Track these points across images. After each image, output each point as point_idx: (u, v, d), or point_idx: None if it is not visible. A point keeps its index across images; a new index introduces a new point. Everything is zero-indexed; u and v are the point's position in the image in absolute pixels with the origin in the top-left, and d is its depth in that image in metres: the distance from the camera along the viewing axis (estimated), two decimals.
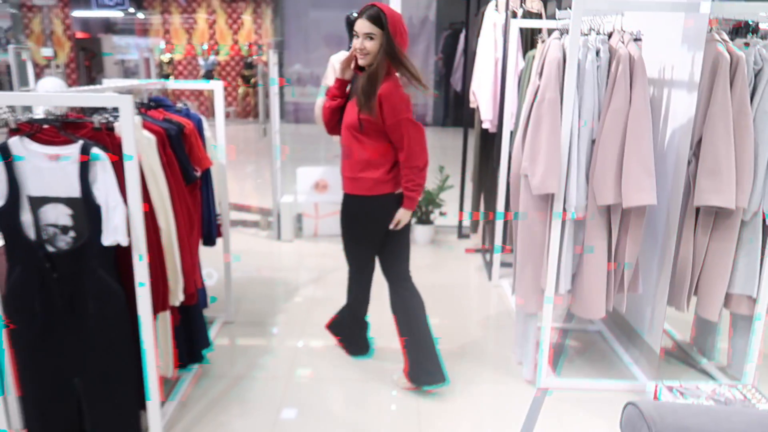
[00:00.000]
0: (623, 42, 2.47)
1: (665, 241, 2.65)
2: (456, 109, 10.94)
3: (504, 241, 3.91)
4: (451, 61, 10.85)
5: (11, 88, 6.65)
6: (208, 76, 13.11)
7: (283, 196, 4.90)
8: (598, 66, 2.46)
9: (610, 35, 2.54)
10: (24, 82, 5.11)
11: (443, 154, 8.58)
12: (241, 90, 13.39)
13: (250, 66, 13.28)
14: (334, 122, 2.66)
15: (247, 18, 13.40)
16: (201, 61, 13.18)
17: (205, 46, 13.17)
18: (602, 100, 2.47)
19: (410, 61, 2.40)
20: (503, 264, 3.97)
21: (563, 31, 2.62)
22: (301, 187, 4.91)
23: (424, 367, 2.66)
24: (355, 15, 3.52)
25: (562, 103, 2.43)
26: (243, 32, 13.40)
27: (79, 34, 13.22)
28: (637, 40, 2.51)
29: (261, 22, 13.42)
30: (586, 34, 2.52)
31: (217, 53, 13.29)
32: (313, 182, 4.90)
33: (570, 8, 2.42)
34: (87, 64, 13.40)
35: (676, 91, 2.62)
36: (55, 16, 12.43)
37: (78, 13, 12.86)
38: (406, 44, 2.41)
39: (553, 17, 4.06)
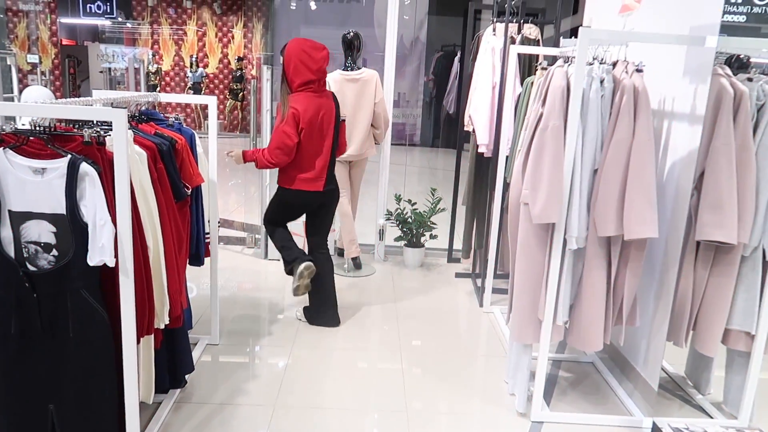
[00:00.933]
0: (627, 72, 2.45)
1: (663, 274, 2.61)
2: (447, 131, 10.96)
3: (496, 267, 3.86)
4: (442, 82, 10.90)
5: None
6: (196, 88, 13.00)
7: None
8: (602, 95, 2.43)
9: (614, 65, 2.52)
10: (7, 88, 4.98)
11: (432, 175, 8.57)
12: (229, 103, 13.30)
13: (239, 80, 13.21)
14: None
15: (237, 32, 13.35)
16: (189, 73, 13.08)
17: (195, 58, 13.09)
18: (605, 130, 2.44)
19: (287, 88, 3.25)
20: (495, 290, 3.91)
21: (567, 59, 2.60)
22: None
23: (321, 312, 3.58)
24: (351, 35, 3.97)
25: (566, 132, 2.40)
26: (233, 46, 13.34)
27: (66, 41, 13.06)
28: (639, 71, 2.49)
29: (251, 37, 13.38)
30: (590, 63, 2.50)
31: (204, 66, 13.20)
32: None
33: (574, 36, 2.40)
34: (72, 71, 13.23)
35: (677, 123, 2.60)
36: (41, 21, 12.26)
37: (65, 20, 12.71)
38: (296, 75, 3.21)
39: (550, 44, 4.06)
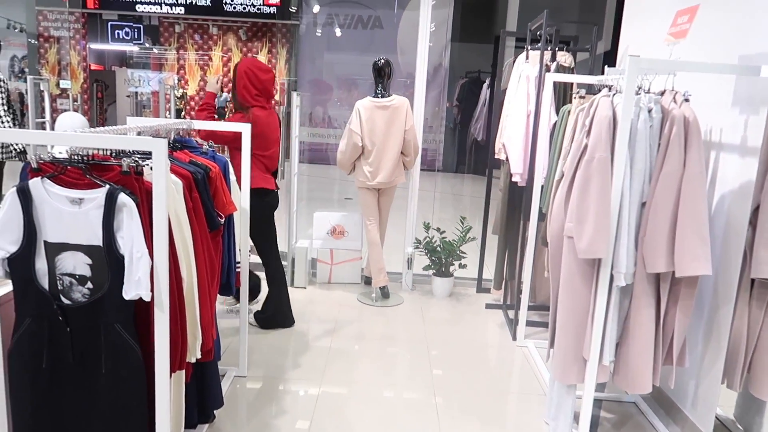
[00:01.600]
0: (676, 102, 2.36)
1: (713, 312, 2.48)
2: (474, 157, 10.88)
3: (531, 299, 3.74)
4: (467, 108, 10.87)
5: (23, 117, 6.58)
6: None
7: (298, 241, 4.74)
8: (651, 126, 2.34)
9: (662, 94, 2.43)
10: (39, 113, 5.03)
11: (458, 201, 8.49)
12: None
13: None
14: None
15: (261, 58, 13.51)
16: (216, 99, 13.19)
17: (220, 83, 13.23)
18: (654, 162, 2.35)
19: (237, 102, 3.53)
20: (528, 323, 3.78)
21: (612, 89, 2.52)
22: (318, 232, 4.76)
23: (278, 316, 3.84)
24: (382, 62, 4.00)
25: (612, 164, 2.31)
26: None
27: (94, 66, 13.30)
28: (686, 100, 2.41)
29: (275, 63, 13.53)
30: (637, 93, 2.41)
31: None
32: (330, 228, 4.75)
33: (607, 65, 2.32)
34: (99, 95, 13.45)
35: (726, 154, 2.50)
36: (72, 47, 12.53)
37: (95, 46, 12.98)
38: (245, 91, 3.46)
39: (582, 71, 3.99)
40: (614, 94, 2.49)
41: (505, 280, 4.33)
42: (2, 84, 4.41)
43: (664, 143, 2.31)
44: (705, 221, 2.26)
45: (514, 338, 3.83)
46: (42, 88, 4.93)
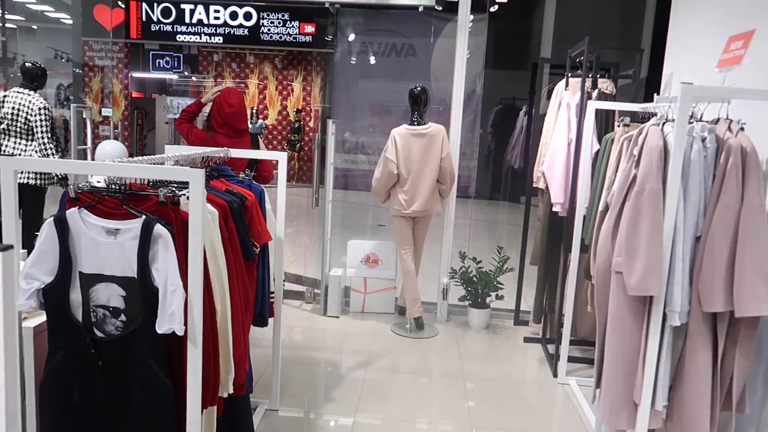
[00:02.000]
0: (731, 131, 2.24)
1: None
2: (509, 185, 10.73)
3: (572, 334, 3.59)
4: (501, 135, 10.80)
5: (66, 143, 6.75)
6: (255, 139, 13.32)
7: (331, 269, 4.68)
8: (704, 156, 2.23)
9: (715, 122, 2.32)
10: (82, 140, 5.14)
11: (492, 229, 8.36)
12: (287, 154, 13.52)
13: (296, 131, 13.46)
14: None
15: (296, 85, 13.70)
16: (249, 124, 13.42)
17: (255, 110, 13.46)
18: (708, 194, 2.23)
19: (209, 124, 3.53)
20: (570, 358, 3.63)
21: (660, 116, 2.41)
22: (351, 260, 4.70)
23: None
24: (418, 89, 3.92)
25: (664, 196, 2.19)
26: (292, 98, 13.67)
27: (135, 94, 13.68)
28: (741, 129, 2.29)
29: (310, 90, 13.70)
30: (690, 122, 2.30)
31: (264, 117, 13.55)
32: (364, 256, 4.69)
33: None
34: (140, 122, 13.80)
35: None
36: (114, 76, 12.92)
37: (136, 74, 13.36)
38: (213, 119, 3.48)
39: (623, 98, 3.88)
40: (664, 123, 2.38)
41: (544, 313, 4.18)
42: (47, 112, 4.51)
43: (719, 174, 2.19)
44: (766, 258, 2.12)
45: (555, 374, 3.67)
46: (84, 116, 5.04)
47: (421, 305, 4.33)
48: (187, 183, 1.78)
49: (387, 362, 3.80)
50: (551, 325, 4.10)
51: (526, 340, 4.27)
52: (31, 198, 4.39)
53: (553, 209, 3.74)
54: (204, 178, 1.66)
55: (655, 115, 2.57)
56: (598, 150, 3.40)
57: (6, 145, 4.50)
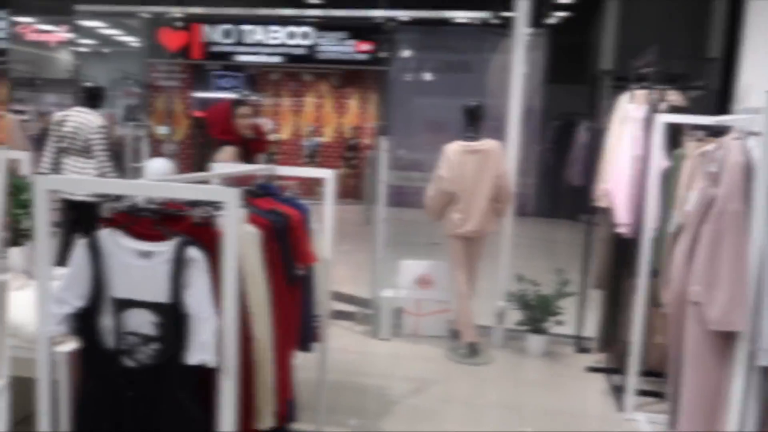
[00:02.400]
0: None
1: None
2: (569, 202, 10.34)
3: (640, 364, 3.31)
4: (560, 151, 10.46)
5: (120, 160, 6.94)
6: (311, 157, 13.44)
7: (383, 290, 4.55)
8: None
9: None
10: (137, 158, 5.24)
11: (550, 249, 8.04)
12: (342, 171, 13.56)
13: (352, 148, 13.50)
14: None
15: (352, 103, 13.77)
16: (305, 142, 13.56)
17: (312, 128, 13.61)
18: None
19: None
20: (638, 392, 3.34)
21: (744, 131, 2.17)
22: (404, 281, 4.56)
23: None
24: (474, 104, 3.77)
25: (750, 217, 1.95)
26: (348, 116, 13.73)
27: (197, 113, 14.07)
28: None
29: (366, 107, 13.74)
30: None
31: (320, 135, 13.68)
32: (417, 277, 4.54)
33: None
34: (201, 141, 14.17)
35: None
36: (177, 96, 13.34)
37: (198, 94, 13.76)
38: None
39: (693, 111, 3.60)
40: (747, 137, 2.14)
41: (610, 341, 3.90)
42: (105, 130, 4.61)
43: None
44: None
45: (621, 409, 3.38)
46: (140, 134, 5.14)
47: (476, 330, 4.13)
48: None
49: (439, 390, 3.62)
50: (617, 354, 3.81)
51: (589, 369, 3.99)
52: (86, 215, 4.47)
53: (619, 230, 3.48)
54: (237, 198, 1.56)
55: (730, 129, 2.33)
56: (669, 167, 3.15)
57: (67, 164, 4.62)
